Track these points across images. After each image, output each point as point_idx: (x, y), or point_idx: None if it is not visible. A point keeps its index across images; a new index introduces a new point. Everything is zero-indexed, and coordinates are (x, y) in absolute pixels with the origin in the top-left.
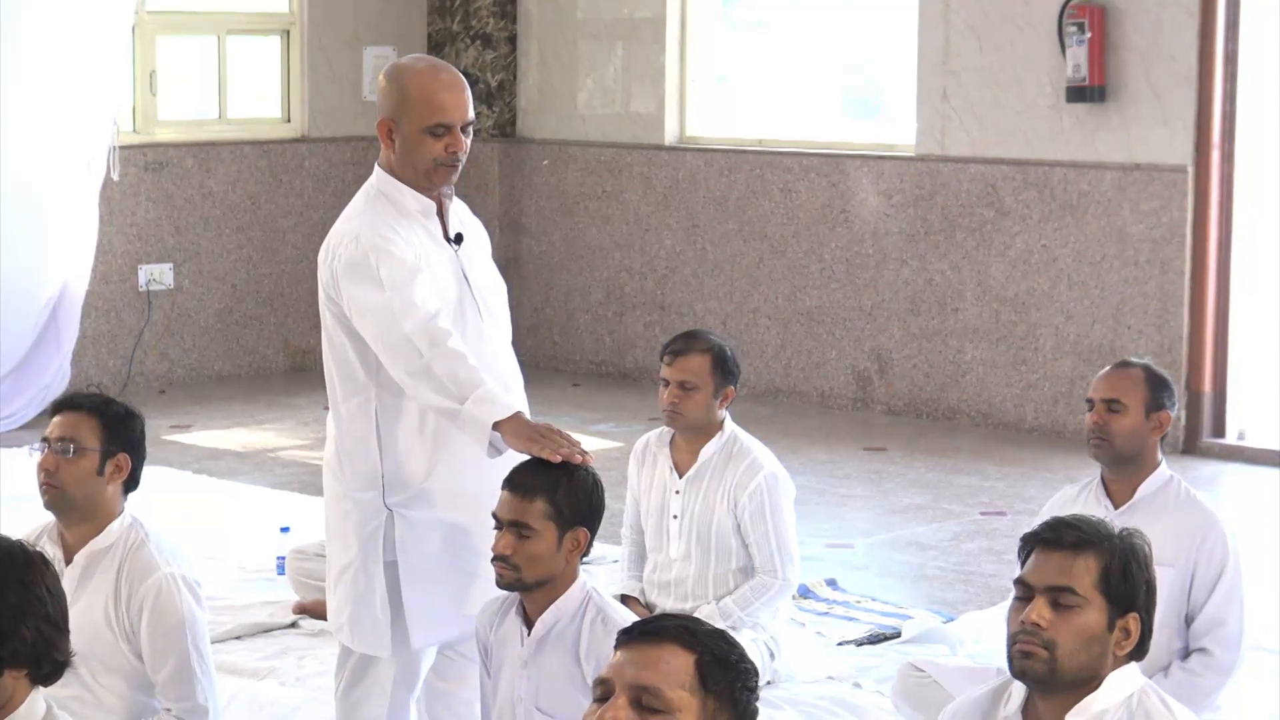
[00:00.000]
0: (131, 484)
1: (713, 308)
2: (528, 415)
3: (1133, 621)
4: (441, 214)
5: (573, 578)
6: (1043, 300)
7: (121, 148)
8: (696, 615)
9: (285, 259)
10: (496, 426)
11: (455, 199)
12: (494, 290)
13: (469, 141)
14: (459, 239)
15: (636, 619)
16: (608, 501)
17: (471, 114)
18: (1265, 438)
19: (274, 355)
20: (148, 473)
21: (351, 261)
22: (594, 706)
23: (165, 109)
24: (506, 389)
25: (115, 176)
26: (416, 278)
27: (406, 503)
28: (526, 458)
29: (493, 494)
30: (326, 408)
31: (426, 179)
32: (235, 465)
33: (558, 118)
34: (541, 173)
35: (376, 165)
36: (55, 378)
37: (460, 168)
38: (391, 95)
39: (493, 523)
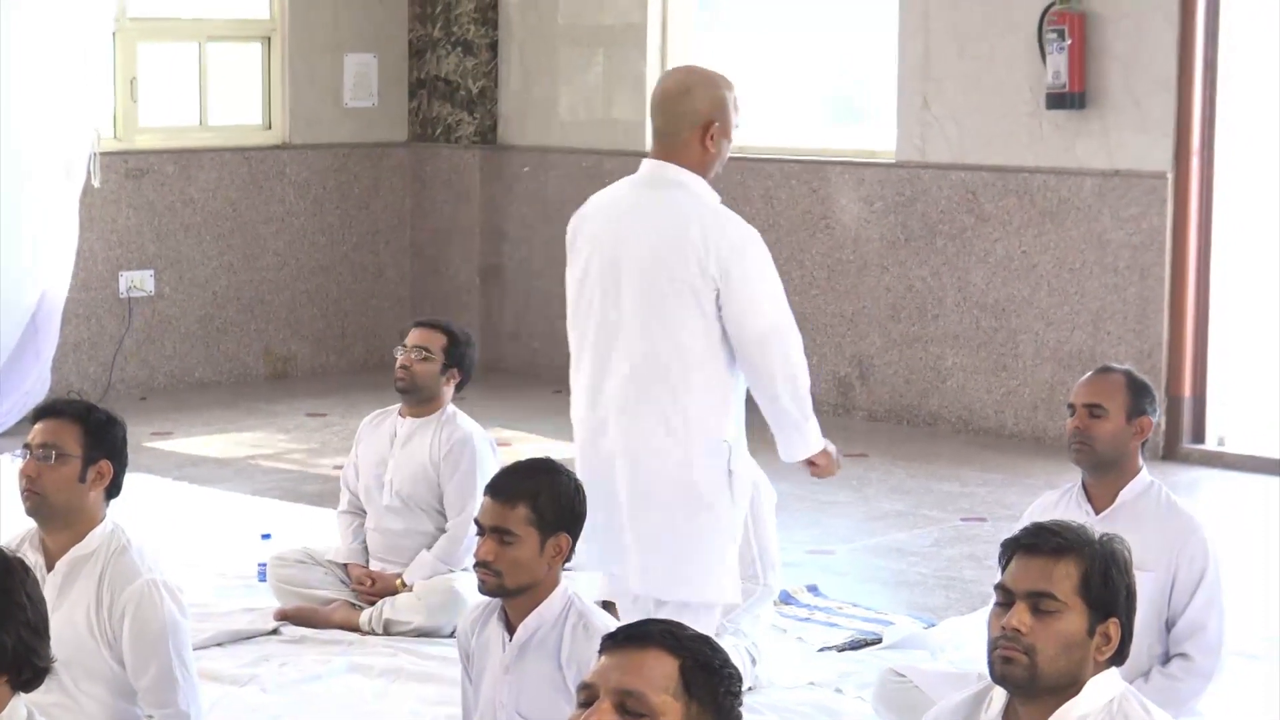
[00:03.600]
0: (113, 491)
1: None
2: None
3: (1113, 627)
4: None
5: (554, 583)
6: (1023, 306)
7: (102, 154)
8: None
9: (266, 266)
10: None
11: None
12: None
13: None
14: None
15: (618, 625)
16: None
17: None
18: (1245, 443)
19: (254, 362)
20: (129, 480)
21: (757, 257)
22: (578, 712)
23: (146, 116)
24: None
25: (96, 183)
26: (781, 295)
27: (741, 460)
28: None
29: None
30: (313, 414)
31: (717, 175)
32: (216, 472)
33: (539, 124)
34: (522, 179)
35: (677, 167)
36: (35, 385)
37: None
38: (716, 98)
39: None
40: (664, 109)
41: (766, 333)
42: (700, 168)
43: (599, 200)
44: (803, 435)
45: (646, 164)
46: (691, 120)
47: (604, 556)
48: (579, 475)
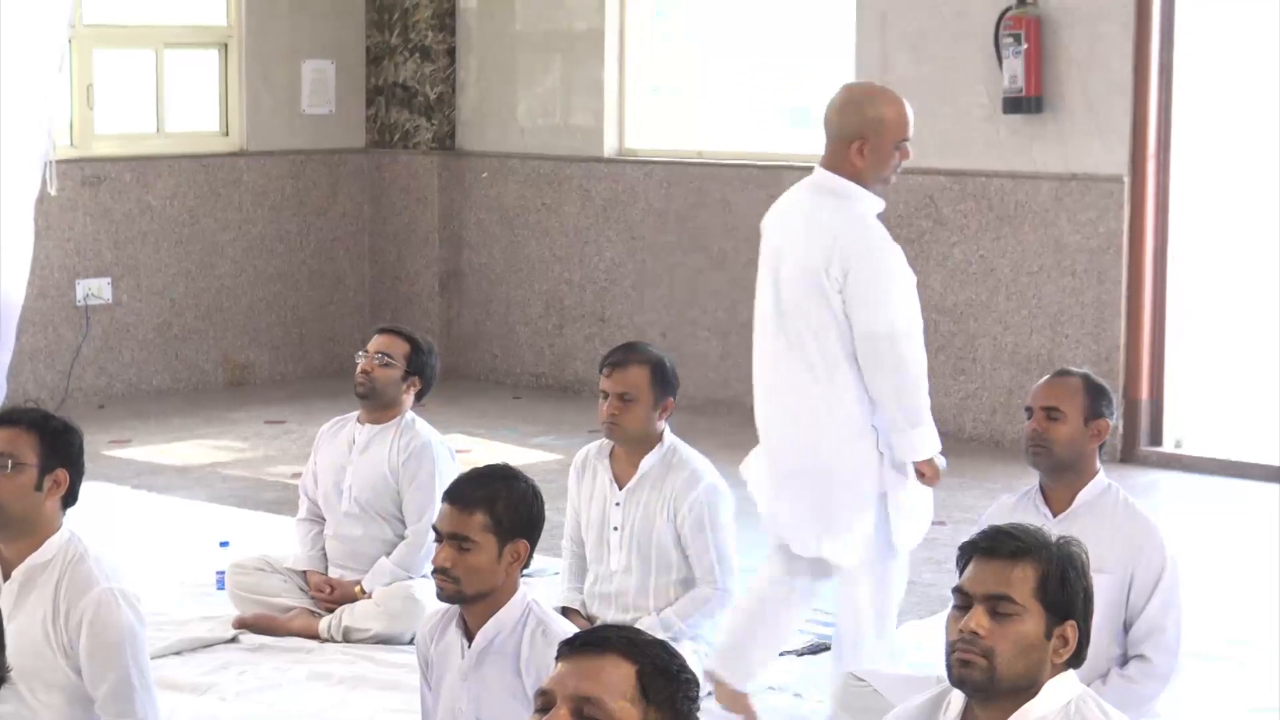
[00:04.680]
0: (70, 499)
1: (652, 320)
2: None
3: (1070, 629)
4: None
5: (513, 590)
6: (981, 310)
7: (59, 162)
8: (637, 626)
9: (224, 273)
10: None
11: None
12: None
13: None
14: None
15: (577, 631)
16: (548, 514)
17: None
18: (1202, 446)
19: (213, 370)
20: (86, 488)
21: (881, 261)
22: (536, 717)
23: (103, 123)
24: None
25: (52, 191)
26: (900, 304)
27: (887, 443)
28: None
29: None
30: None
31: (885, 184)
32: (174, 480)
33: (497, 130)
34: (481, 185)
35: (829, 171)
36: None
37: None
38: (869, 116)
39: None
40: (827, 121)
41: (879, 334)
42: (854, 177)
43: (777, 204)
44: (907, 440)
45: (815, 171)
46: (844, 134)
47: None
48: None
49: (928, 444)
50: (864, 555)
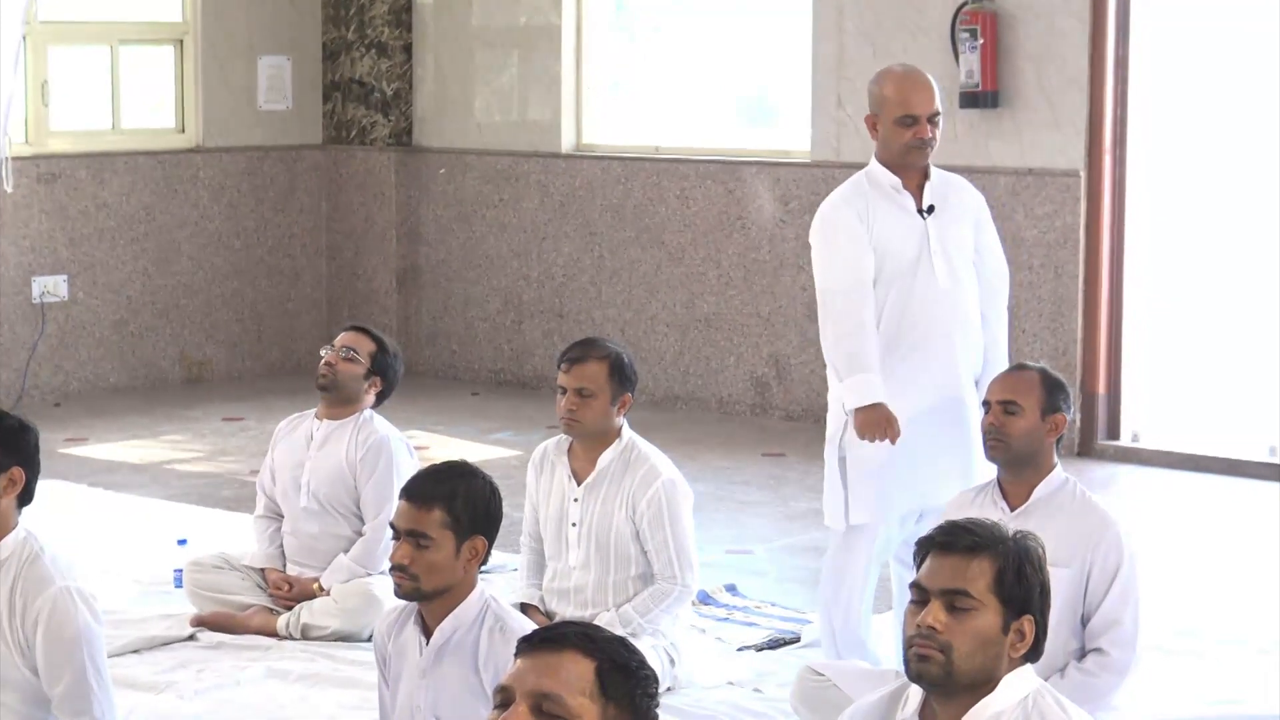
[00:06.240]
0: (25, 498)
1: (611, 315)
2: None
3: (1027, 623)
4: (919, 188)
5: (471, 587)
6: None
7: (14, 159)
8: (596, 622)
9: (180, 270)
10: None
11: (946, 175)
12: (962, 252)
13: (937, 130)
14: (930, 210)
15: (535, 627)
16: (506, 510)
17: (936, 106)
18: (1159, 439)
19: (170, 367)
20: (43, 486)
21: (819, 225)
22: (494, 714)
23: (58, 120)
24: (946, 336)
25: (7, 188)
26: (838, 262)
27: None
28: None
29: (929, 410)
30: (229, 419)
31: (901, 159)
32: (132, 478)
33: (454, 126)
34: (438, 181)
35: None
36: None
37: (929, 150)
38: (875, 95)
39: (926, 439)
40: None
41: (818, 295)
42: (877, 150)
43: None
44: (844, 390)
45: None
46: (866, 114)
47: None
48: None
49: (856, 394)
50: (832, 518)
